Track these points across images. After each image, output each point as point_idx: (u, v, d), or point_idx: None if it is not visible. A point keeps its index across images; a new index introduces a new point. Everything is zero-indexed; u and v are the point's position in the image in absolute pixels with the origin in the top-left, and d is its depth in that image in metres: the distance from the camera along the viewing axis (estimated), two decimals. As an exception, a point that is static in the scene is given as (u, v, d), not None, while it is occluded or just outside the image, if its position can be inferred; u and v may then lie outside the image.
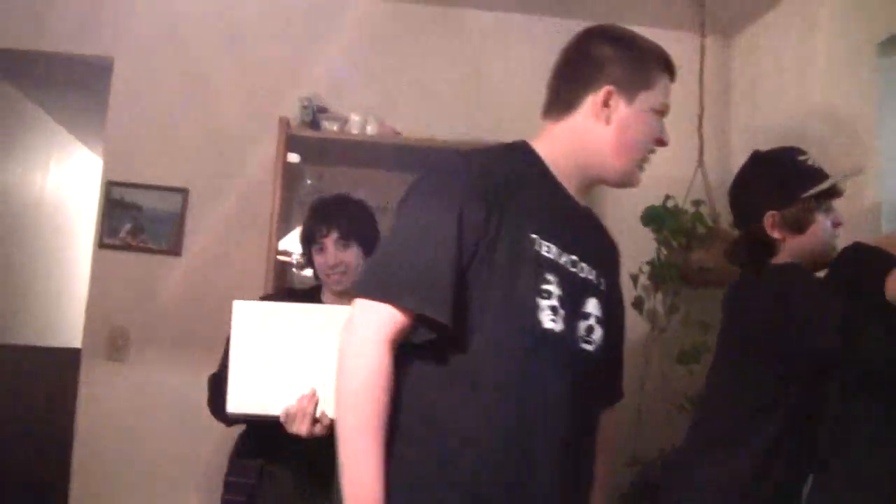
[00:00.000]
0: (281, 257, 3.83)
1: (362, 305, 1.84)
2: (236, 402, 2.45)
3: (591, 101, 1.99)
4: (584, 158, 2.02)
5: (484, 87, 4.20)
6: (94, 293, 4.04)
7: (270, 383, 2.44)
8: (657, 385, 3.97)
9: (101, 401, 3.98)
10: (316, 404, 2.39)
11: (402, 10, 4.25)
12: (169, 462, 3.93)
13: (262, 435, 2.77)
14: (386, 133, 3.86)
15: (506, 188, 1.90)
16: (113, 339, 3.98)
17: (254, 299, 2.80)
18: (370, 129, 3.83)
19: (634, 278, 3.90)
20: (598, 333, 1.99)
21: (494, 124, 3.94)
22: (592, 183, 2.08)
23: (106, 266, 4.03)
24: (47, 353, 6.65)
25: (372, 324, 1.82)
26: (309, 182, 3.74)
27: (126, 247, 4.01)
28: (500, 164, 1.96)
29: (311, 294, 3.08)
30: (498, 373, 1.85)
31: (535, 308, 1.87)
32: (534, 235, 1.90)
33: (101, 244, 4.02)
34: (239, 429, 2.93)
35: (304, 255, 3.12)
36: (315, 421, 2.41)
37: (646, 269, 3.96)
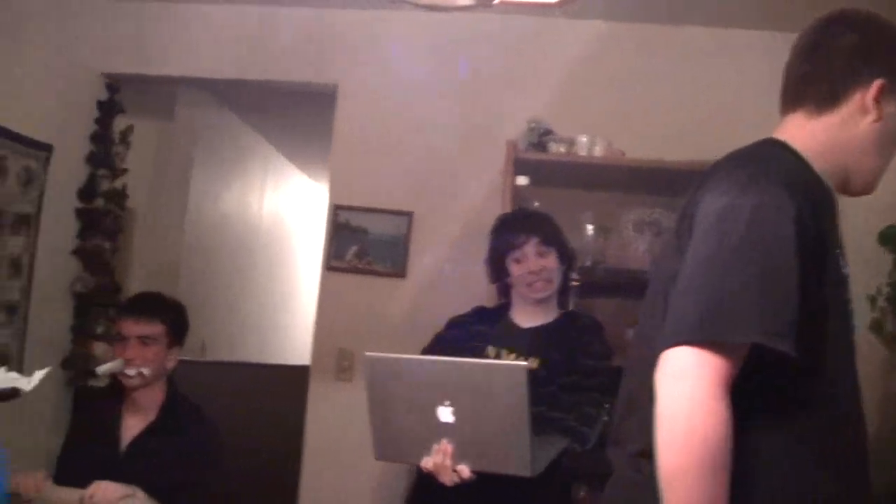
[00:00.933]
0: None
1: (685, 354, 1.54)
2: (381, 451, 2.55)
3: (860, 96, 1.77)
4: (843, 158, 1.81)
5: (713, 106, 4.07)
6: (322, 314, 4.14)
7: (408, 433, 2.49)
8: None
9: (327, 418, 4.09)
10: (452, 456, 2.43)
11: (627, 29, 4.19)
12: (392, 479, 3.98)
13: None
14: (613, 155, 3.80)
15: (805, 194, 1.64)
16: (339, 360, 4.07)
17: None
18: (597, 151, 3.78)
19: (872, 300, 3.73)
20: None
21: (724, 144, 3.81)
22: (838, 187, 1.85)
23: (333, 288, 4.12)
24: (279, 370, 6.90)
25: (707, 375, 1.53)
26: (536, 204, 3.70)
27: (352, 269, 4.09)
28: (790, 166, 1.75)
29: (500, 312, 3.09)
30: (845, 400, 1.70)
31: (852, 330, 1.73)
32: (837, 251, 1.72)
33: (329, 266, 4.12)
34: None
35: (493, 271, 3.10)
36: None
37: (885, 290, 3.77)
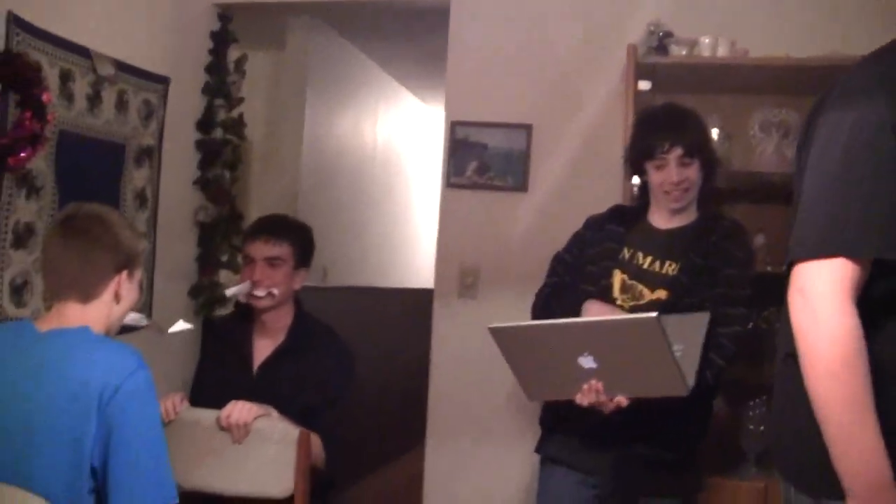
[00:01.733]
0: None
1: (810, 269, 1.65)
2: (531, 393, 2.63)
3: None
4: None
5: (842, -3, 3.85)
6: (444, 232, 4.10)
7: (554, 380, 2.54)
8: None
9: (452, 336, 4.07)
10: (602, 392, 2.47)
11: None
12: (518, 395, 3.96)
13: None
14: (737, 54, 3.64)
15: None
16: (463, 278, 4.04)
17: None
18: (720, 51, 3.62)
19: None
20: None
21: (856, 38, 3.62)
22: None
23: (454, 205, 4.08)
24: (401, 294, 6.97)
25: (829, 284, 1.62)
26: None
27: (473, 185, 4.04)
28: None
29: (637, 211, 2.97)
30: None
31: None
32: None
33: (449, 184, 4.07)
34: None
35: (631, 168, 2.98)
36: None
37: None
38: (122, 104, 3.66)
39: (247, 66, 4.59)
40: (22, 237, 3.08)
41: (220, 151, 4.37)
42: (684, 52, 3.63)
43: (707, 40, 3.62)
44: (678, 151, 2.78)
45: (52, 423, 2.06)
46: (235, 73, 4.53)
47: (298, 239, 3.24)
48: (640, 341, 2.37)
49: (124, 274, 2.28)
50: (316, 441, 2.91)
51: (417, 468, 4.24)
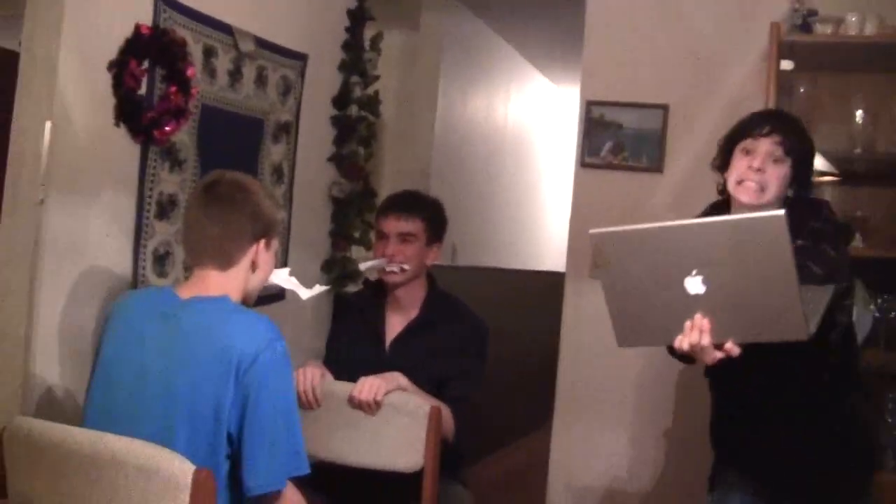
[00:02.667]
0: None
1: None
2: (624, 337, 2.26)
3: None
4: None
5: None
6: (577, 212, 4.09)
7: (653, 313, 2.20)
8: None
9: (583, 317, 4.06)
10: (708, 332, 2.15)
11: None
12: (647, 377, 3.93)
13: None
14: (886, 32, 3.52)
15: None
16: (596, 258, 3.99)
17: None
18: (868, 29, 3.51)
19: None
20: None
21: None
22: None
23: (587, 185, 4.07)
24: (531, 275, 6.97)
25: None
26: (802, 91, 3.49)
27: (607, 165, 4.01)
28: None
29: (722, 208, 2.74)
30: None
31: None
32: None
33: (583, 163, 4.05)
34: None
35: (720, 156, 2.74)
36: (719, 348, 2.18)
37: None
38: (261, 80, 3.72)
39: (382, 44, 4.61)
40: (165, 208, 3.15)
41: (355, 128, 4.40)
42: (829, 30, 3.52)
43: (854, 17, 3.52)
44: (775, 138, 2.54)
45: (194, 389, 2.12)
46: (371, 50, 4.55)
47: (431, 214, 3.26)
48: (762, 249, 2.06)
49: (262, 242, 2.33)
50: (446, 414, 2.93)
51: (543, 448, 4.24)
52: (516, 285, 6.54)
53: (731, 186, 2.61)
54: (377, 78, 4.53)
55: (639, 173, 3.97)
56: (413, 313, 3.23)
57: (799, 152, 2.57)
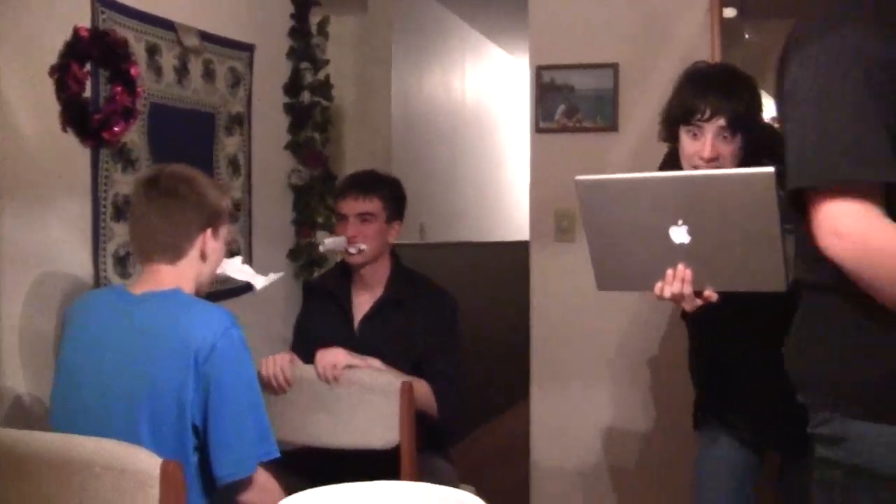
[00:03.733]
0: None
1: (832, 208, 1.69)
2: (604, 281, 2.29)
3: None
4: None
5: None
6: (536, 178, 4.09)
7: (635, 259, 2.22)
8: None
9: (551, 282, 4.06)
10: (690, 281, 2.16)
11: None
12: (625, 337, 3.93)
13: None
14: (826, -27, 3.52)
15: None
16: (559, 221, 4.01)
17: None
18: (812, -29, 3.51)
19: None
20: None
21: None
22: None
23: (544, 150, 4.06)
24: (498, 247, 6.96)
25: (859, 218, 1.67)
26: (748, 37, 3.50)
27: (562, 129, 4.00)
28: None
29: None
30: None
31: None
32: None
33: (538, 129, 4.04)
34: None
35: (665, 131, 2.64)
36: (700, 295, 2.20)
37: None
38: (208, 74, 3.71)
39: (330, 28, 4.59)
40: (121, 209, 3.14)
41: (309, 114, 4.40)
42: (771, -24, 3.54)
43: (794, -39, 3.52)
44: (720, 122, 2.45)
45: (154, 384, 2.12)
46: (319, 35, 4.54)
47: (388, 192, 3.26)
48: (749, 204, 2.06)
49: (209, 232, 2.32)
50: (422, 389, 2.94)
51: (525, 422, 4.25)
52: (487, 258, 6.55)
53: (685, 165, 2.56)
54: (327, 62, 4.52)
55: (594, 134, 3.96)
56: (379, 292, 3.25)
57: (747, 120, 2.50)
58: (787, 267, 2.10)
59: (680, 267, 2.17)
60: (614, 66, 3.94)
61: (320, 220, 4.39)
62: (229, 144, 3.84)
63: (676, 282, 2.18)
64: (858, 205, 1.67)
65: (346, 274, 3.31)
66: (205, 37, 3.66)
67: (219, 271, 2.50)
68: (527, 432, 4.17)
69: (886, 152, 1.66)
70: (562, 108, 3.99)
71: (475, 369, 5.70)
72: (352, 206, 3.20)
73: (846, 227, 1.68)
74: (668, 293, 2.20)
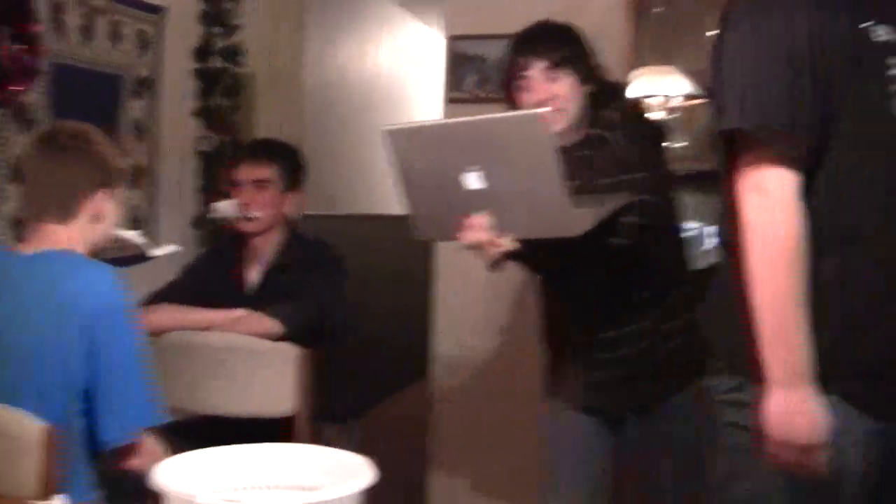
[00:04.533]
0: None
1: (765, 169, 1.74)
2: (418, 230, 2.29)
3: None
4: None
5: None
6: (448, 148, 4.06)
7: (441, 207, 2.21)
8: None
9: (454, 254, 4.03)
10: (491, 229, 2.14)
11: None
12: (520, 310, 3.94)
13: None
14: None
15: None
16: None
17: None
18: (720, -53, 3.54)
19: None
20: None
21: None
22: None
23: (456, 120, 4.03)
24: (392, 220, 6.89)
25: (787, 185, 1.73)
26: (657, 10, 3.51)
27: (474, 99, 3.98)
28: None
29: None
30: (867, 171, 1.78)
31: (888, 97, 1.76)
32: (864, 24, 1.77)
33: (450, 99, 4.02)
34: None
35: (507, 96, 2.61)
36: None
37: None
38: (116, 35, 3.63)
39: (244, -8, 4.53)
40: (18, 171, 3.06)
41: (219, 80, 4.33)
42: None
43: (705, -63, 3.55)
44: (541, 64, 2.48)
45: (42, 346, 2.07)
46: (231, 0, 4.46)
47: (285, 160, 3.21)
48: (527, 145, 2.08)
49: (103, 192, 2.26)
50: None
51: (425, 396, 4.24)
52: (400, 231, 6.51)
53: None
54: (238, 28, 4.45)
55: (506, 105, 3.95)
56: (270, 261, 3.20)
57: (568, 56, 2.52)
58: (583, 213, 2.12)
59: (477, 217, 2.16)
60: (527, 38, 3.93)
61: (227, 188, 4.32)
62: (135, 108, 3.77)
63: (474, 230, 2.17)
64: (792, 174, 1.73)
65: (238, 243, 3.25)
66: (113, -3, 3.58)
67: (113, 235, 2.44)
68: (428, 408, 4.16)
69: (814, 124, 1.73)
70: (474, 78, 3.97)
71: (379, 344, 5.68)
72: (247, 173, 3.15)
73: (774, 186, 1.73)
74: (467, 241, 2.19)
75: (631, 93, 3.64)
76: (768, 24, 1.74)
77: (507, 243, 2.18)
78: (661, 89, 3.62)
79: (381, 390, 6.09)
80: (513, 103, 2.58)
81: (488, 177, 2.12)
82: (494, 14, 3.97)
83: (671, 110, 3.68)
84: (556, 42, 2.53)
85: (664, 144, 2.74)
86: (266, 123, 4.92)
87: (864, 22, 1.77)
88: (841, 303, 1.79)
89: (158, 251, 2.74)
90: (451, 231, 2.21)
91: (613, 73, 3.44)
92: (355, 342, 3.24)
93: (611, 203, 2.27)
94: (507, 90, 2.59)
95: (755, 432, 1.78)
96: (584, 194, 2.32)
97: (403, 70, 7.59)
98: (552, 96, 2.46)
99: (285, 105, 5.20)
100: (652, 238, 2.46)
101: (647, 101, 3.70)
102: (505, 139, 2.11)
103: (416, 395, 4.51)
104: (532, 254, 2.35)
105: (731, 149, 1.81)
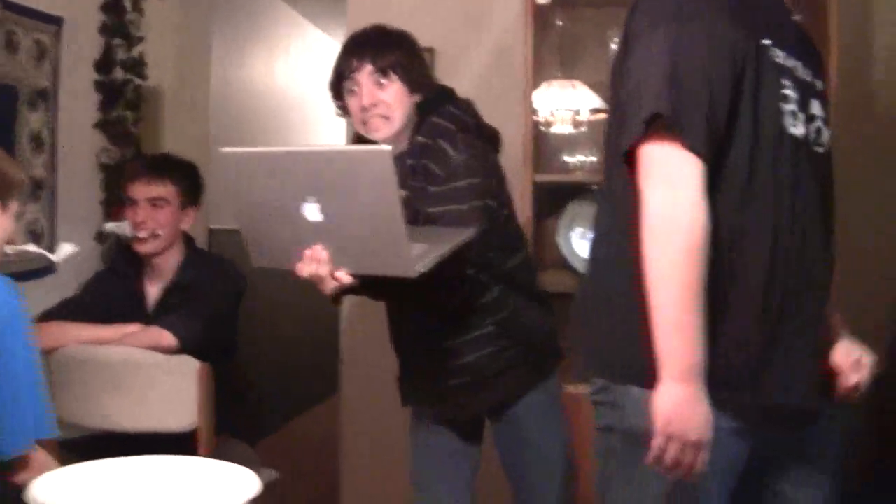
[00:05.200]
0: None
1: (673, 156, 1.76)
2: (255, 257, 2.28)
3: None
4: None
5: None
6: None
7: (279, 236, 2.20)
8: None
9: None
10: (328, 262, 2.14)
11: None
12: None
13: None
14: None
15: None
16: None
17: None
18: (621, -38, 3.58)
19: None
20: (825, 135, 1.95)
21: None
22: None
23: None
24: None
25: (694, 176, 1.75)
26: (560, 24, 3.54)
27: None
28: None
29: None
30: (756, 181, 1.82)
31: (781, 114, 1.83)
32: (766, 42, 1.85)
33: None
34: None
35: (337, 101, 2.64)
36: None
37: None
38: (11, 45, 3.55)
39: (149, 5, 4.47)
40: None
41: (121, 92, 4.26)
42: (584, -37, 3.59)
43: (607, -51, 3.59)
44: (368, 68, 2.49)
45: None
46: (134, 11, 4.40)
47: (183, 177, 3.17)
48: (369, 181, 2.04)
49: None
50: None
51: (335, 414, 4.22)
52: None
53: (360, 129, 2.57)
54: (141, 39, 4.39)
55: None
56: (170, 279, 3.14)
57: (397, 63, 2.52)
58: (413, 251, 2.09)
59: (317, 247, 2.15)
60: (430, 51, 3.93)
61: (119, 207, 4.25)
62: (33, 120, 3.68)
63: (312, 262, 2.16)
64: (700, 170, 1.75)
65: (136, 262, 3.18)
66: (7, 6, 3.50)
67: (8, 249, 2.38)
68: (338, 425, 4.14)
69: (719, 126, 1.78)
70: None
71: (289, 361, 5.64)
72: (143, 191, 3.09)
73: (683, 180, 1.74)
74: (304, 273, 2.18)
75: (538, 106, 3.68)
76: (689, 22, 1.79)
77: (346, 278, 2.17)
78: (568, 103, 3.64)
79: (291, 407, 6.06)
80: (342, 105, 2.60)
81: (328, 209, 2.09)
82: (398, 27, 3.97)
83: (578, 124, 3.70)
84: (386, 47, 2.54)
85: (498, 151, 2.75)
86: (171, 137, 4.85)
87: (766, 40, 1.85)
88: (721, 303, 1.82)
89: (55, 256, 2.67)
90: (288, 260, 2.19)
91: (517, 87, 3.50)
92: (265, 359, 3.22)
93: (449, 238, 2.25)
94: (336, 91, 2.59)
95: (627, 434, 1.82)
96: (421, 224, 2.37)
97: (312, 83, 7.56)
98: (378, 101, 2.48)
99: (191, 118, 5.14)
100: (494, 246, 2.49)
101: (555, 113, 3.72)
102: (347, 173, 2.08)
103: (327, 413, 4.48)
104: (371, 289, 2.37)
105: (632, 149, 1.82)
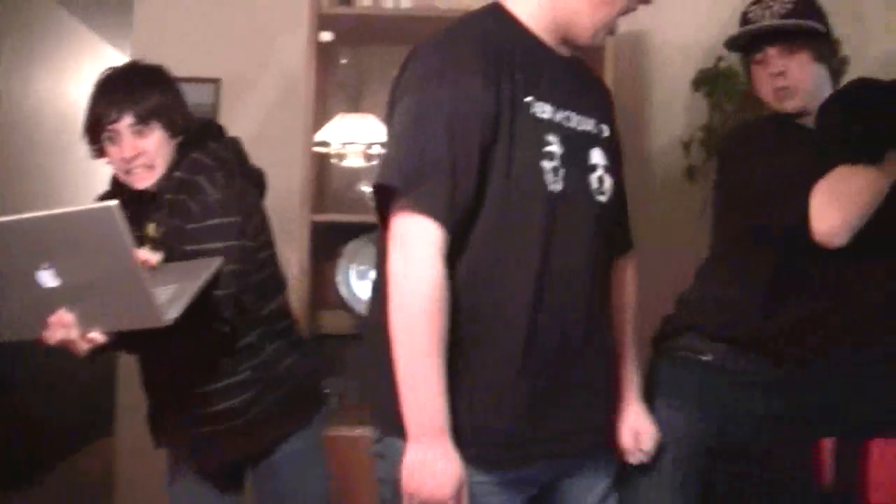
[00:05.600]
0: (318, 148, 3.65)
1: (410, 221, 1.78)
2: (4, 330, 2.17)
3: None
4: (559, 14, 1.96)
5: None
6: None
7: (20, 307, 2.10)
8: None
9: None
10: (77, 326, 2.06)
11: None
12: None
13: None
14: (423, 6, 3.61)
15: (496, 55, 1.85)
16: None
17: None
18: (405, 2, 3.59)
19: (686, 145, 3.73)
20: (608, 183, 2.00)
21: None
22: (566, 40, 2.01)
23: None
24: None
25: (428, 239, 1.77)
26: (344, 62, 3.53)
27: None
28: (487, 30, 1.91)
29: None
30: (516, 243, 1.86)
31: (540, 172, 1.86)
32: (528, 98, 1.88)
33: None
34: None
35: (90, 144, 2.47)
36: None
37: (699, 135, 3.75)
38: None
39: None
40: None
41: None
42: (368, 2, 3.59)
43: (392, -9, 3.59)
44: (127, 120, 2.37)
45: None
46: None
47: None
48: (100, 240, 1.98)
49: None
50: None
51: (106, 457, 4.07)
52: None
53: (123, 178, 2.45)
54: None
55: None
56: None
57: (157, 107, 2.43)
58: (155, 300, 2.04)
59: (60, 312, 2.07)
60: (216, 82, 3.88)
61: None
62: None
63: (58, 328, 2.07)
64: (438, 232, 1.77)
65: None
66: None
67: None
68: (109, 470, 3.98)
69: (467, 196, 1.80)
70: (162, 120, 3.86)
71: (57, 399, 5.35)
72: None
73: (417, 242, 1.77)
74: (53, 340, 2.09)
75: (331, 138, 3.65)
76: (436, 89, 1.81)
77: (100, 337, 2.09)
78: (360, 136, 3.63)
79: (62, 448, 5.76)
80: (100, 151, 2.46)
81: (64, 273, 2.02)
82: (183, 56, 3.84)
83: (370, 157, 3.70)
84: (144, 92, 2.42)
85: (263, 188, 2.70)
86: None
87: (527, 97, 1.88)
88: (477, 363, 1.85)
89: None
90: (34, 331, 2.10)
91: (303, 120, 3.46)
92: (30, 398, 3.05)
93: (197, 273, 2.21)
94: (93, 138, 2.45)
95: (396, 485, 1.82)
96: (172, 261, 2.31)
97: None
98: (141, 152, 2.38)
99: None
100: (251, 289, 2.45)
101: (346, 147, 3.70)
102: (76, 234, 2.00)
103: (102, 451, 4.31)
104: (126, 345, 2.30)
105: (385, 201, 1.84)
